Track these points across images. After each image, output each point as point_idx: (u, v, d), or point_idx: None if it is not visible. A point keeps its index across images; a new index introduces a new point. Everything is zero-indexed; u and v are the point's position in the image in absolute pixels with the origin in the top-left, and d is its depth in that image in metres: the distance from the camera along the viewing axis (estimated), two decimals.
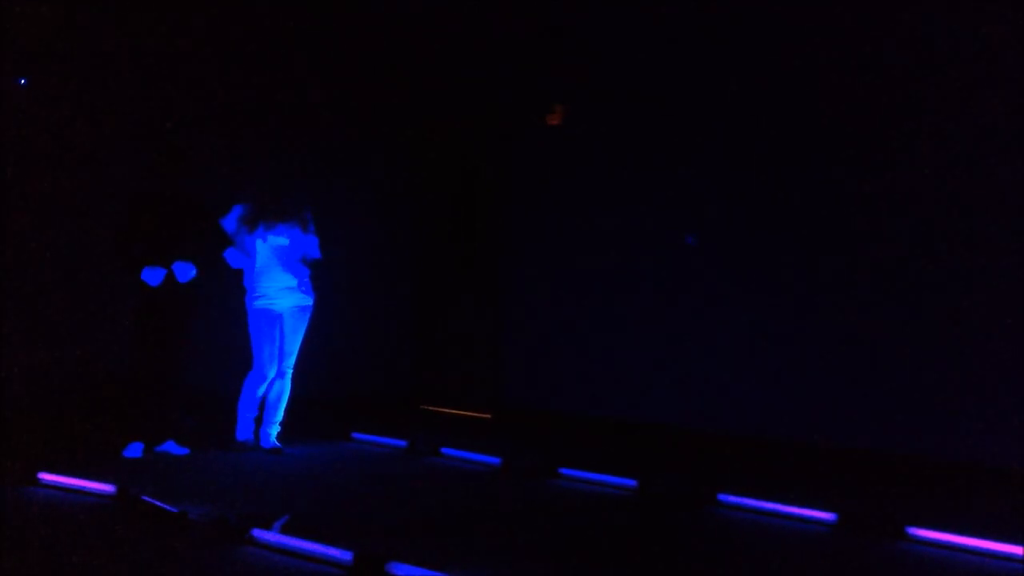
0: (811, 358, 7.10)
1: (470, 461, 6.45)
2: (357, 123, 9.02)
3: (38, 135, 7.42)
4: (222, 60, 8.21)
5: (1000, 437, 6.21)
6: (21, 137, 7.30)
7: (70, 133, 7.56)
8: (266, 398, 6.72)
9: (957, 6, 6.49)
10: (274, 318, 6.62)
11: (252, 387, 6.62)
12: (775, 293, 7.29)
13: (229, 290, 6.77)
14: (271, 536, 4.45)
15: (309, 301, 6.72)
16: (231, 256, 6.56)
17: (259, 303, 6.60)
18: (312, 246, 6.67)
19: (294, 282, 6.64)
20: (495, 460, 6.30)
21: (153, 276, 6.22)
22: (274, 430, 6.68)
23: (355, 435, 7.18)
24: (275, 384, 6.70)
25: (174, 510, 4.75)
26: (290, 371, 6.73)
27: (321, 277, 6.82)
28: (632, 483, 5.70)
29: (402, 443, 6.86)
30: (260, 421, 6.72)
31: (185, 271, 6.29)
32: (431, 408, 9.03)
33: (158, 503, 4.85)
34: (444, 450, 6.61)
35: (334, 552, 4.17)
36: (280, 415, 6.72)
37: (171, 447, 6.39)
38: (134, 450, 6.27)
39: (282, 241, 6.60)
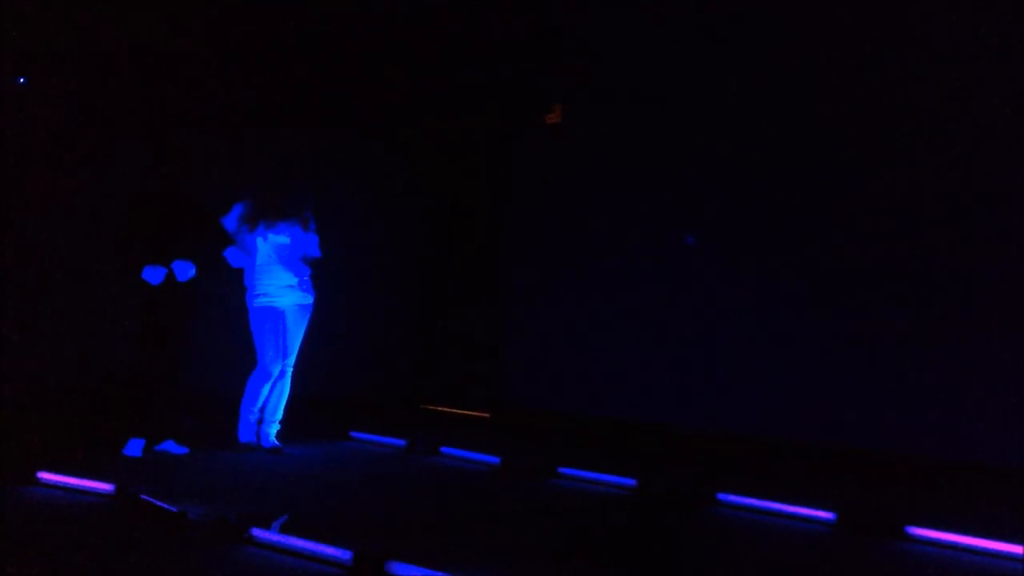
0: (811, 358, 7.10)
1: (470, 461, 6.44)
2: (357, 123, 9.02)
3: (38, 135, 7.42)
4: (222, 60, 8.21)
5: (1000, 437, 6.21)
6: (21, 137, 7.30)
7: (70, 133, 7.56)
8: (266, 397, 6.72)
9: (957, 6, 6.49)
10: (277, 316, 6.61)
11: (256, 386, 6.61)
12: (775, 293, 7.29)
13: (229, 289, 6.77)
14: (270, 535, 4.44)
15: (310, 300, 6.72)
16: (231, 255, 6.56)
17: (260, 301, 6.60)
18: (312, 245, 6.67)
19: (295, 280, 6.64)
20: (495, 460, 6.29)
21: (153, 275, 6.21)
22: (273, 429, 6.68)
23: (354, 434, 7.18)
24: (275, 383, 6.70)
25: (173, 509, 4.74)
26: (290, 370, 6.73)
27: (321, 276, 6.82)
28: (632, 483, 5.70)
29: (402, 443, 6.85)
30: (260, 421, 6.71)
31: (185, 270, 6.29)
32: (431, 407, 9.03)
33: (157, 503, 4.85)
34: (444, 449, 6.61)
35: (333, 551, 4.16)
36: (280, 414, 6.72)
37: (170, 446, 6.38)
38: (134, 447, 6.27)
39: (283, 240, 6.60)
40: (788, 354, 7.20)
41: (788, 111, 7.23)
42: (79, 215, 7.52)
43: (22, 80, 7.33)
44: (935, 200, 6.59)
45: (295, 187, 6.79)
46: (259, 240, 6.59)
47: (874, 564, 4.50)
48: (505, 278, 8.92)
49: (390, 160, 9.34)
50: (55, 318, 7.45)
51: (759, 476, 6.20)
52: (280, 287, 6.62)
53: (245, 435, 6.62)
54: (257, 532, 4.44)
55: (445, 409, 8.96)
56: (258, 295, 6.61)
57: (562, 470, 6.00)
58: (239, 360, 6.76)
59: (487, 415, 8.73)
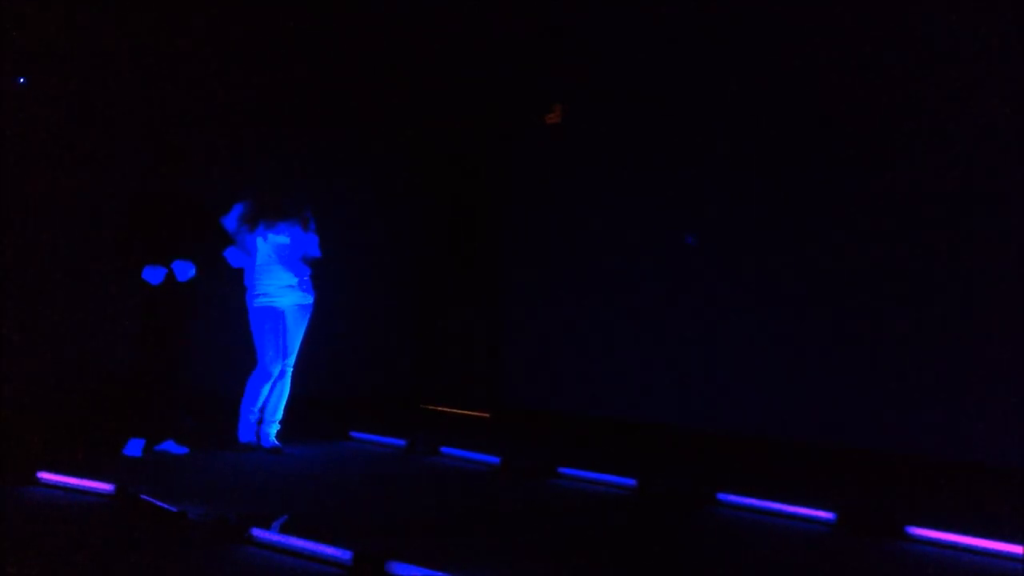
0: (811, 358, 7.10)
1: (470, 460, 6.44)
2: (357, 123, 9.02)
3: (38, 135, 7.42)
4: (222, 60, 8.21)
5: (1000, 437, 6.21)
6: (21, 137, 7.30)
7: (70, 133, 7.56)
8: (266, 397, 6.72)
9: (957, 6, 6.49)
10: (277, 315, 6.61)
11: (257, 386, 6.61)
12: (775, 293, 7.29)
13: (229, 289, 6.77)
14: (270, 535, 4.44)
15: (309, 300, 6.72)
16: (231, 255, 6.55)
17: (260, 301, 6.60)
18: (312, 245, 6.67)
19: (295, 280, 6.64)
20: (495, 459, 6.29)
21: (154, 275, 6.21)
22: (273, 429, 6.68)
23: (354, 434, 7.18)
24: (275, 383, 6.69)
25: (173, 509, 4.74)
26: (290, 370, 6.73)
27: (321, 276, 6.82)
28: (632, 483, 5.70)
29: (401, 442, 6.85)
30: (260, 421, 6.71)
31: (185, 270, 6.29)
32: (431, 407, 9.03)
33: (157, 503, 4.85)
34: (443, 449, 6.61)
35: (333, 551, 4.16)
36: (280, 414, 6.72)
37: (170, 446, 6.38)
38: (134, 448, 6.27)
39: (283, 239, 6.60)
40: (788, 354, 7.20)
41: (788, 111, 7.23)
42: (79, 215, 7.52)
43: (22, 80, 7.32)
44: (935, 200, 6.58)
45: (295, 187, 6.79)
46: (259, 240, 6.59)
47: (874, 564, 4.50)
48: (505, 278, 8.92)
49: (390, 160, 9.34)
50: (55, 318, 7.45)
51: (759, 476, 6.20)
52: (280, 287, 6.62)
53: (245, 435, 6.62)
54: (257, 532, 4.44)
55: (445, 409, 8.96)
56: (258, 295, 6.61)
57: (562, 470, 6.00)
58: (239, 360, 6.76)
59: (487, 415, 8.73)
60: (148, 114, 7.76)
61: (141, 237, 6.29)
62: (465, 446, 6.64)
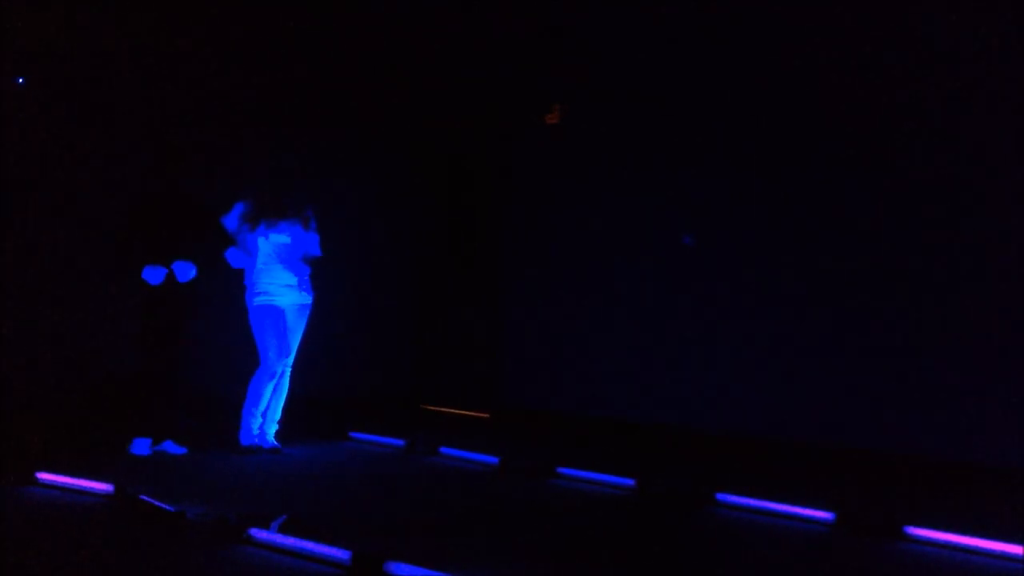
0: (811, 358, 7.09)
1: (469, 461, 6.44)
2: (357, 123, 9.02)
3: (38, 135, 7.42)
4: (222, 60, 8.21)
5: (1000, 437, 6.20)
6: (21, 137, 7.30)
7: (70, 133, 7.56)
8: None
9: (957, 6, 6.49)
10: (278, 313, 6.60)
11: (259, 386, 6.58)
12: (775, 293, 7.29)
13: (230, 290, 6.77)
14: (269, 535, 4.44)
15: (308, 300, 6.72)
16: (232, 256, 6.55)
17: (261, 300, 6.59)
18: (313, 244, 6.67)
19: (294, 280, 6.63)
20: (494, 460, 6.29)
21: (154, 275, 6.22)
22: (272, 429, 6.68)
23: (354, 435, 7.18)
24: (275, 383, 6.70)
25: (172, 510, 4.74)
26: (288, 370, 6.72)
27: (321, 276, 6.82)
28: (631, 483, 5.69)
29: (401, 443, 6.85)
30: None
31: (185, 271, 6.29)
32: (430, 408, 9.03)
33: (156, 503, 4.85)
34: (443, 450, 6.61)
35: (332, 551, 4.16)
36: (278, 414, 6.71)
37: (169, 446, 6.39)
38: (141, 446, 6.26)
39: (284, 239, 6.59)
40: (788, 354, 7.20)
41: (788, 111, 7.22)
42: (79, 215, 7.53)
43: (20, 80, 7.33)
44: (935, 200, 6.58)
45: (296, 185, 6.79)
46: (260, 239, 6.58)
47: (873, 564, 4.50)
48: (505, 278, 8.92)
49: (390, 160, 9.34)
50: (55, 318, 7.46)
51: (758, 476, 6.20)
52: (280, 286, 6.61)
53: (247, 438, 6.59)
54: (256, 532, 4.44)
55: (444, 409, 8.96)
56: (258, 293, 6.60)
57: (561, 470, 6.00)
58: (239, 360, 6.75)
59: (486, 415, 8.73)
60: (148, 114, 7.77)
61: (141, 237, 6.30)
62: (464, 446, 6.64)
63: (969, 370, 6.41)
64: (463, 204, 9.34)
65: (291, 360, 6.72)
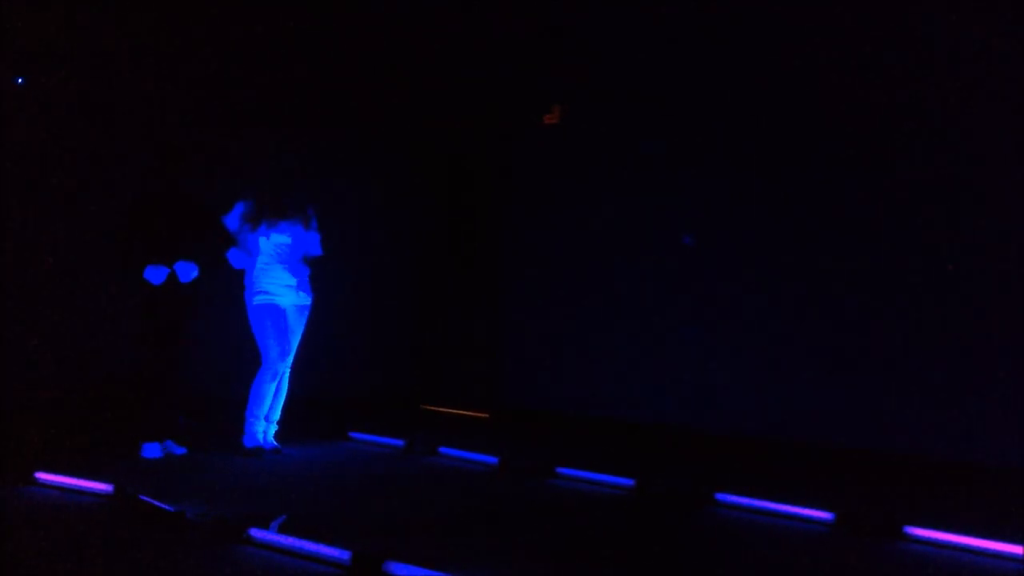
0: (811, 358, 7.10)
1: (468, 461, 6.44)
2: (357, 123, 9.02)
3: (38, 135, 7.42)
4: (222, 60, 8.21)
5: (1000, 437, 6.20)
6: (21, 137, 7.30)
7: (70, 133, 7.56)
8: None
9: (957, 6, 6.49)
10: (279, 312, 6.59)
11: (262, 385, 6.56)
12: (775, 293, 7.29)
13: (231, 290, 6.76)
14: (269, 535, 4.44)
15: (308, 301, 6.71)
16: (233, 257, 6.54)
17: (261, 299, 6.57)
18: (314, 243, 6.67)
19: (294, 281, 6.63)
20: (493, 460, 6.29)
21: (156, 275, 6.21)
22: (272, 429, 6.68)
23: (353, 435, 7.18)
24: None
25: (172, 510, 4.74)
26: (288, 370, 6.72)
27: (321, 276, 6.82)
28: (630, 483, 5.69)
29: (400, 443, 6.85)
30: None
31: (187, 271, 6.29)
32: (430, 408, 9.03)
33: (156, 503, 4.85)
34: (442, 450, 6.61)
35: (332, 551, 4.16)
36: (277, 414, 6.71)
37: (169, 446, 6.38)
38: (152, 450, 6.25)
39: (284, 239, 6.59)
40: (788, 354, 7.20)
41: (788, 111, 7.23)
42: (79, 215, 7.53)
43: (19, 80, 7.33)
44: (935, 200, 6.58)
45: (296, 186, 6.79)
46: (261, 239, 6.58)
47: (873, 564, 4.50)
48: (505, 278, 8.92)
49: (390, 160, 9.34)
50: (55, 318, 7.45)
51: (758, 476, 6.20)
52: (281, 286, 6.60)
53: (251, 440, 6.56)
54: (255, 532, 4.44)
55: (444, 409, 8.96)
56: (259, 292, 6.59)
57: (561, 470, 6.00)
58: (240, 361, 6.75)
59: (486, 415, 8.73)
60: (148, 114, 7.77)
61: (142, 237, 6.29)
62: (464, 446, 6.64)
63: (969, 370, 6.41)
64: (463, 204, 9.34)
65: (290, 360, 6.71)
